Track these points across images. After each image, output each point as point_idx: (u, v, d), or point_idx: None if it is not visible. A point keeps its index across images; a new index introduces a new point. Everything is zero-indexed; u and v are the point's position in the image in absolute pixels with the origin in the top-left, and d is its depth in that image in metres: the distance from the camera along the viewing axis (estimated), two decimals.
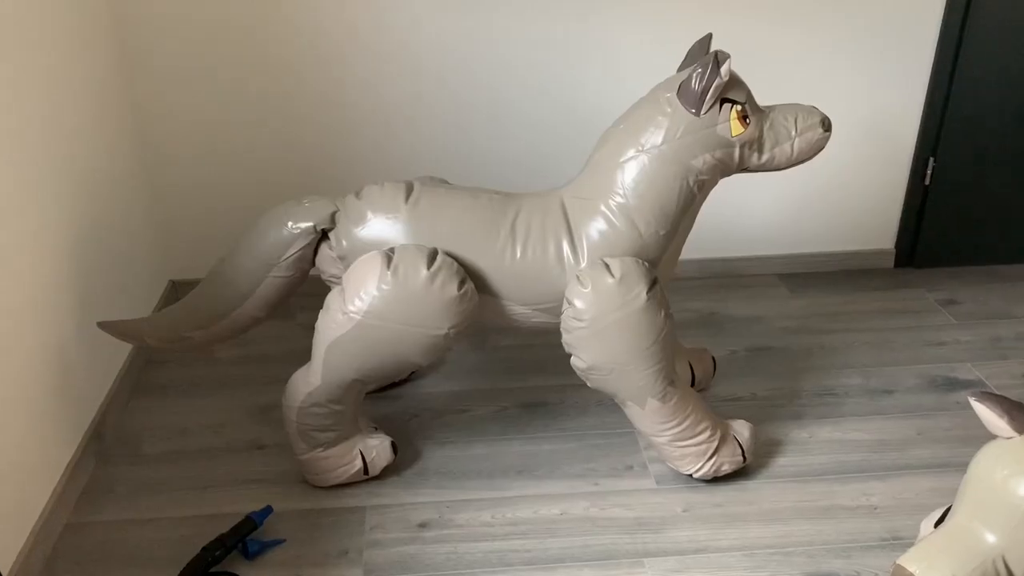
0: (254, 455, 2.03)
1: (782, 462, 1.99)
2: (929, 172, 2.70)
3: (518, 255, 1.75)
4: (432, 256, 1.69)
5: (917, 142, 2.68)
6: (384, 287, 1.66)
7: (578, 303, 1.71)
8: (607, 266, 1.71)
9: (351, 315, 1.68)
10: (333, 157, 2.56)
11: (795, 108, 1.76)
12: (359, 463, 1.88)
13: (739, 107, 1.69)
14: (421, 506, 1.87)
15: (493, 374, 2.32)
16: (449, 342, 1.71)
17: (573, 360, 1.79)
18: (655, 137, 1.70)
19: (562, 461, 2.00)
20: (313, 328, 1.76)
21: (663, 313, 1.74)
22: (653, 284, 1.72)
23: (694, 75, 1.66)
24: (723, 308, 2.64)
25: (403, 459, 1.99)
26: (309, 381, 1.78)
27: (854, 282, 2.78)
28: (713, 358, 2.24)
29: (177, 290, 2.65)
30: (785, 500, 1.87)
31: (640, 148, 1.71)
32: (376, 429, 1.95)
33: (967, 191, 2.72)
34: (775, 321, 2.57)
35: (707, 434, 1.83)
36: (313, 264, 1.84)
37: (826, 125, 1.75)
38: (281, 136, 2.52)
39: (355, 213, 1.77)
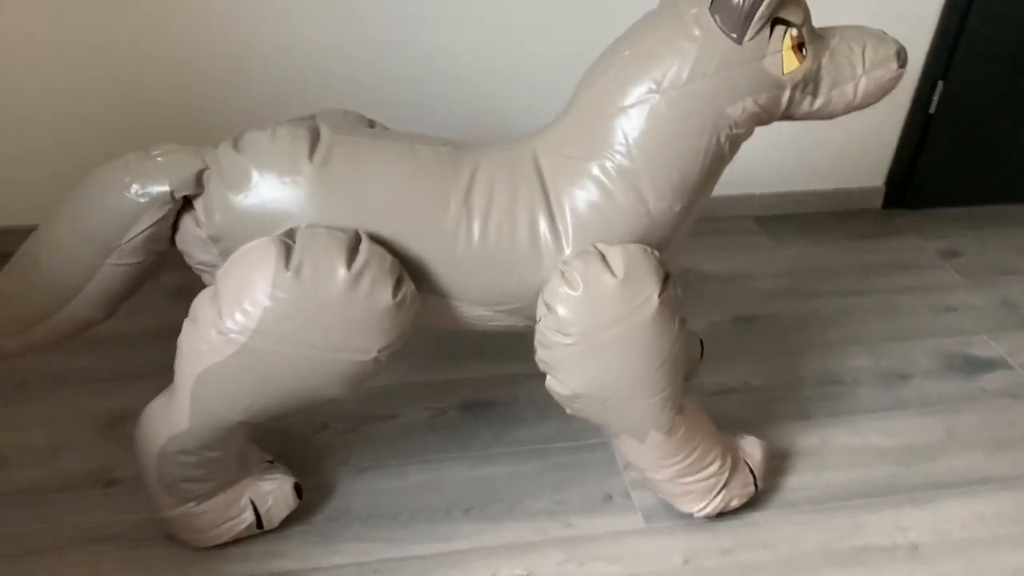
0: (100, 496, 1.47)
1: (794, 483, 1.59)
2: (936, 98, 2.27)
3: (475, 237, 1.22)
4: (353, 245, 1.15)
5: (925, 62, 2.23)
6: (280, 295, 1.11)
7: (563, 311, 1.21)
8: (603, 257, 1.21)
9: (231, 336, 1.13)
10: (188, 89, 1.90)
11: (861, 33, 1.26)
12: (250, 515, 1.37)
13: (794, 32, 1.18)
14: (340, 571, 1.38)
15: (422, 362, 1.81)
16: (379, 367, 1.19)
17: (551, 383, 1.30)
18: (677, 71, 1.18)
19: (522, 491, 1.54)
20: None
21: (677, 321, 1.26)
22: (666, 281, 1.24)
23: None
24: (698, 263, 2.19)
25: (312, 497, 1.48)
26: (172, 421, 1.23)
27: (841, 227, 2.37)
28: (701, 342, 1.80)
29: None
30: (806, 540, 1.48)
31: (654, 87, 1.19)
32: (272, 463, 1.43)
33: (977, 122, 2.31)
34: (758, 280, 2.14)
35: (717, 465, 1.40)
36: (172, 243, 1.27)
37: (902, 59, 1.26)
38: (109, 55, 1.85)
39: (233, 173, 1.19)
